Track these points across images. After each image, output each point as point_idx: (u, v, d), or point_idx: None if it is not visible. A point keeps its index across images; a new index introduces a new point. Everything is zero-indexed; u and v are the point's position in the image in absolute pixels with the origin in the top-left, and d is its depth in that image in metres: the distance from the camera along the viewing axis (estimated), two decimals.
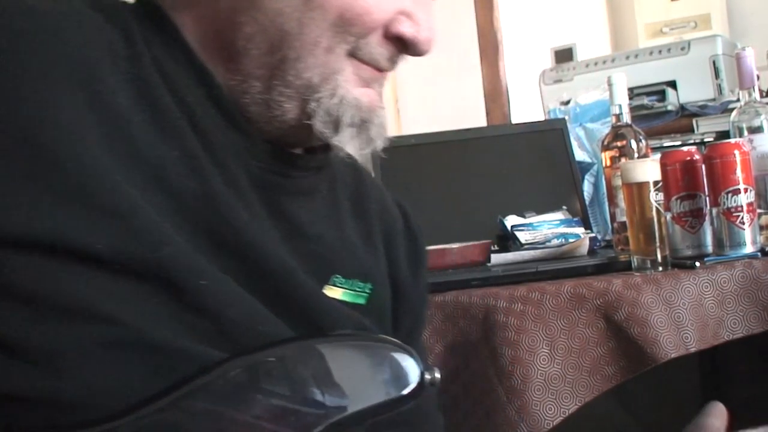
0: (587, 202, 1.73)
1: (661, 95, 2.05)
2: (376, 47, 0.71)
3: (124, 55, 0.65)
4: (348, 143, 0.71)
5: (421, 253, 0.89)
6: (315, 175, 0.77)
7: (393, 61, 0.73)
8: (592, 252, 1.50)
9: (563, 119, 1.83)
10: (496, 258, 1.49)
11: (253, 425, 0.59)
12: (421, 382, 0.64)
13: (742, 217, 1.27)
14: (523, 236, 1.57)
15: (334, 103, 0.69)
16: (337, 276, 0.76)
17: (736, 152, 1.27)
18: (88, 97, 0.61)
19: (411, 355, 0.65)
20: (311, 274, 0.72)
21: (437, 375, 0.65)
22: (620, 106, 1.51)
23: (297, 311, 0.69)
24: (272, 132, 0.71)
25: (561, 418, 1.16)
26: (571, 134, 1.79)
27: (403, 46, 0.72)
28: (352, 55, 0.70)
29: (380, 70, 0.73)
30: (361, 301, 0.77)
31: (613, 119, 1.52)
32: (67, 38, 0.63)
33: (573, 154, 1.76)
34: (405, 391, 0.63)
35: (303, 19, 0.67)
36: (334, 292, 0.75)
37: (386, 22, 0.70)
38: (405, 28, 0.71)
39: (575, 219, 1.64)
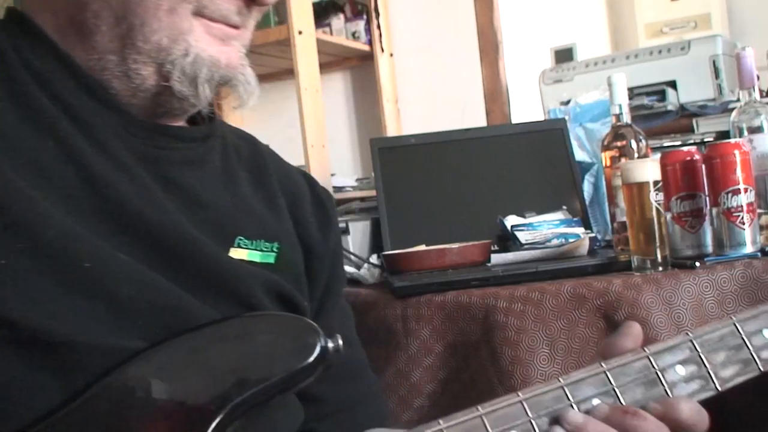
0: (587, 202, 1.73)
1: (661, 95, 2.05)
2: (221, 2, 0.73)
3: None
4: (207, 97, 0.73)
5: (329, 214, 0.92)
6: (202, 146, 0.79)
7: (243, 15, 0.75)
8: (592, 252, 1.50)
9: (563, 119, 1.83)
10: (496, 258, 1.49)
11: (154, 423, 0.60)
12: (323, 350, 0.66)
13: (742, 217, 1.27)
14: (523, 236, 1.57)
15: (189, 61, 0.71)
16: (241, 238, 0.78)
17: (736, 152, 1.27)
18: None
19: (311, 327, 0.67)
20: (212, 239, 0.74)
21: (340, 342, 0.68)
22: (620, 106, 1.51)
23: (199, 276, 0.71)
24: (143, 106, 0.74)
25: None
26: (571, 134, 1.79)
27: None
28: (199, 14, 0.72)
29: (233, 26, 0.74)
30: (270, 259, 0.80)
31: (613, 119, 1.52)
32: None
33: (573, 154, 1.76)
34: (306, 362, 0.65)
35: None
36: (239, 254, 0.77)
37: None
38: None
39: (575, 219, 1.64)
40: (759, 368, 0.74)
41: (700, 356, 0.72)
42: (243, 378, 0.63)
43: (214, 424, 0.61)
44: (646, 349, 0.71)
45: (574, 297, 1.22)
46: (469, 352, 1.27)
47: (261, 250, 0.79)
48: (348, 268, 1.68)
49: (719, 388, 0.72)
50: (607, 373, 0.68)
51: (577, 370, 0.68)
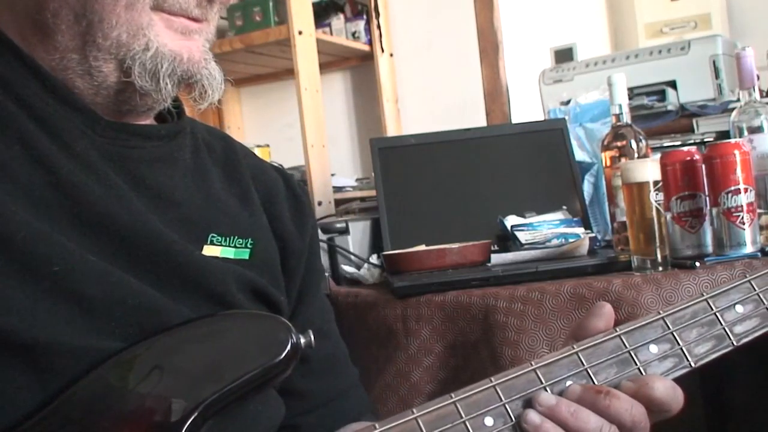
0: (587, 202, 1.73)
1: (661, 95, 2.05)
2: None
3: None
4: (170, 92, 0.72)
5: (304, 209, 0.91)
6: (171, 143, 0.79)
7: (203, 8, 0.74)
8: (592, 252, 1.50)
9: (563, 119, 1.83)
10: (496, 258, 1.49)
11: (128, 424, 0.60)
12: (295, 346, 0.66)
13: (742, 217, 1.27)
14: (523, 236, 1.57)
15: (149, 56, 0.71)
16: (214, 235, 0.77)
17: (736, 152, 1.27)
18: None
19: (281, 324, 0.68)
20: (184, 237, 0.74)
21: (312, 337, 0.68)
22: (620, 106, 1.51)
23: (171, 275, 0.71)
24: (107, 105, 0.73)
25: None
26: (571, 134, 1.79)
27: None
28: (159, 8, 0.71)
29: (195, 19, 0.74)
30: (245, 255, 0.79)
31: (613, 119, 1.52)
32: None
33: (573, 154, 1.76)
34: (278, 358, 0.65)
35: None
36: (213, 251, 0.77)
37: None
38: None
39: (575, 219, 1.64)
40: (732, 343, 0.74)
41: (672, 334, 0.72)
42: (214, 377, 0.63)
43: (187, 424, 0.61)
44: (617, 329, 0.71)
45: (574, 297, 1.22)
46: (469, 352, 1.27)
47: (235, 246, 0.79)
48: (348, 268, 1.68)
49: (693, 365, 0.72)
50: (579, 354, 0.69)
51: (550, 353, 0.69)
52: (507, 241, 1.62)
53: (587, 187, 1.75)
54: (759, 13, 3.52)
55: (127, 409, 0.61)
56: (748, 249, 1.27)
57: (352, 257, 1.70)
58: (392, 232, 1.67)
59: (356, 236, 1.77)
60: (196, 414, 0.62)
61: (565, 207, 1.69)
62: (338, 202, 2.52)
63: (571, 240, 1.52)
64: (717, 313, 0.74)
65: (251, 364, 0.65)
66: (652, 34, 3.66)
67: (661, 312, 0.73)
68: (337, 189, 2.68)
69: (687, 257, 1.30)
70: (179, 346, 0.65)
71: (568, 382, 0.67)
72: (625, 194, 1.31)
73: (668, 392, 0.68)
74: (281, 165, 1.50)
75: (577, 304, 1.21)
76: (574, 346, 0.69)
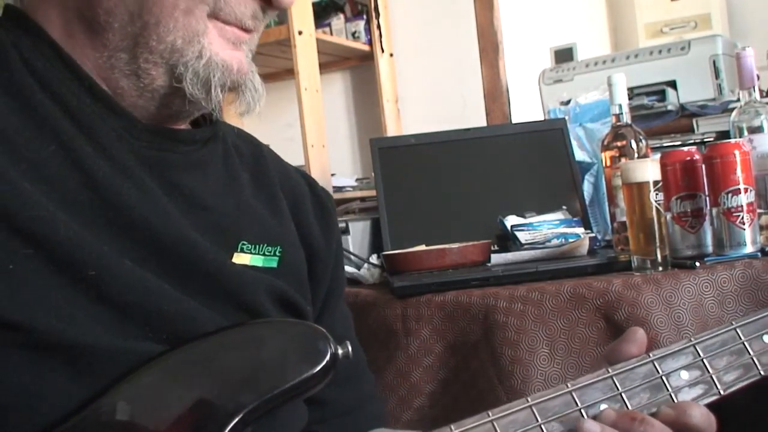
0: (587, 202, 1.73)
1: (661, 95, 2.05)
2: (238, 5, 0.72)
3: None
4: (219, 101, 0.72)
5: (330, 216, 0.91)
6: (203, 148, 0.78)
7: (257, 19, 0.74)
8: (592, 252, 1.50)
9: (563, 119, 1.83)
10: (496, 258, 1.49)
11: (168, 428, 0.60)
12: (334, 356, 0.66)
13: (742, 217, 1.27)
14: (523, 236, 1.57)
15: (202, 64, 0.70)
16: (244, 242, 0.77)
17: (736, 152, 1.27)
18: None
19: (321, 333, 0.68)
20: (216, 244, 0.74)
21: (349, 348, 0.68)
22: (620, 106, 1.51)
23: (203, 282, 0.71)
24: (148, 108, 0.73)
25: None
26: (571, 134, 1.78)
27: (264, 2, 0.73)
28: (214, 16, 0.71)
29: (245, 29, 0.74)
30: (273, 264, 0.79)
31: (613, 119, 1.52)
32: None
33: (573, 154, 1.76)
34: (317, 368, 0.65)
35: None
36: (242, 259, 0.77)
37: None
38: None
39: (575, 219, 1.64)
40: (760, 372, 0.75)
41: (702, 361, 0.73)
42: (256, 384, 0.63)
43: (227, 430, 0.61)
44: (650, 354, 0.72)
45: (574, 297, 1.22)
46: (469, 352, 1.27)
47: (264, 254, 0.79)
48: (348, 268, 1.68)
49: (722, 393, 0.73)
50: (614, 378, 0.70)
51: (584, 376, 0.69)
52: (507, 241, 1.61)
53: (587, 187, 1.75)
54: (759, 13, 3.52)
55: (167, 413, 0.61)
56: (748, 249, 1.26)
57: (352, 257, 1.70)
58: (392, 232, 1.67)
59: (356, 236, 1.77)
60: (236, 420, 0.61)
61: (565, 207, 1.69)
62: (338, 202, 2.51)
63: (571, 240, 1.52)
64: (745, 342, 0.75)
65: (292, 373, 0.65)
66: (652, 34, 3.65)
67: (692, 339, 0.74)
68: (337, 189, 2.68)
69: (687, 257, 1.30)
70: (220, 352, 0.65)
71: (603, 406, 0.68)
72: (625, 194, 1.31)
73: (704, 419, 0.69)
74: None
75: (577, 304, 1.21)
76: (609, 370, 0.70)
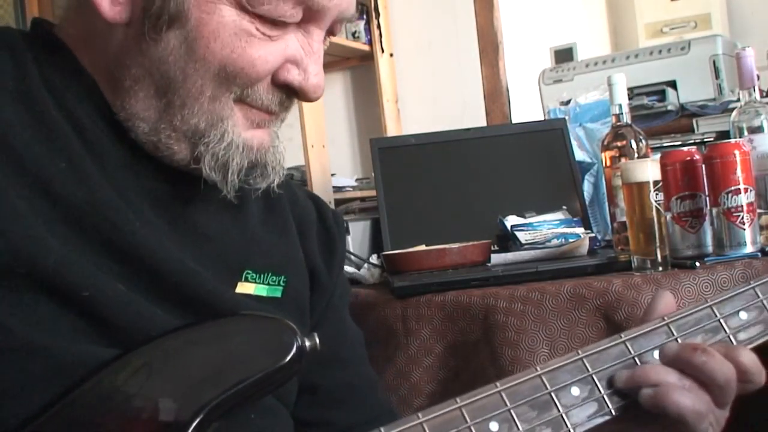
0: (587, 202, 1.73)
1: (661, 95, 2.05)
2: (265, 94, 0.71)
3: (11, 75, 0.67)
4: (235, 185, 0.72)
5: (334, 244, 0.90)
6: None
7: (284, 105, 0.74)
8: (592, 252, 1.50)
9: (563, 119, 1.83)
10: (496, 258, 1.49)
11: (132, 427, 0.60)
12: (300, 350, 0.65)
13: (742, 217, 1.27)
14: (523, 236, 1.57)
15: (223, 146, 0.70)
16: (249, 271, 0.77)
17: (736, 152, 1.27)
18: None
19: (286, 326, 0.67)
20: (218, 274, 0.73)
21: (317, 340, 0.67)
22: (620, 106, 1.51)
23: (200, 311, 0.71)
24: (165, 162, 0.72)
25: None
26: (571, 134, 1.78)
27: (291, 91, 0.73)
28: (241, 100, 0.71)
29: (272, 113, 0.73)
30: (277, 293, 0.79)
31: (613, 119, 1.52)
32: None
33: (573, 154, 1.76)
34: (283, 362, 0.65)
35: (186, 69, 0.68)
36: (246, 288, 0.76)
37: (272, 71, 0.71)
38: (292, 77, 0.72)
39: (575, 219, 1.64)
40: None
41: (677, 340, 0.72)
42: (219, 380, 0.63)
43: (192, 426, 0.61)
44: (622, 334, 0.71)
45: (574, 297, 1.22)
46: (469, 352, 1.27)
47: (268, 284, 0.78)
48: (348, 268, 1.68)
49: None
50: (584, 360, 0.69)
51: (555, 359, 0.69)
52: (507, 241, 1.61)
53: (587, 187, 1.75)
54: (759, 13, 3.52)
55: (131, 411, 0.61)
56: (748, 249, 1.26)
57: (352, 257, 1.70)
58: (392, 232, 1.67)
59: (356, 236, 1.77)
60: (201, 416, 0.61)
61: (565, 207, 1.69)
62: (338, 202, 2.52)
63: (571, 240, 1.52)
64: (721, 320, 0.74)
65: (256, 367, 0.65)
66: (652, 34, 3.65)
67: (665, 318, 0.73)
68: (337, 189, 2.68)
69: (687, 257, 1.30)
70: (184, 349, 0.65)
71: (573, 388, 0.67)
72: (625, 194, 1.31)
73: (754, 362, 0.69)
74: None
75: (577, 304, 1.21)
76: (579, 352, 0.69)
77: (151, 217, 0.71)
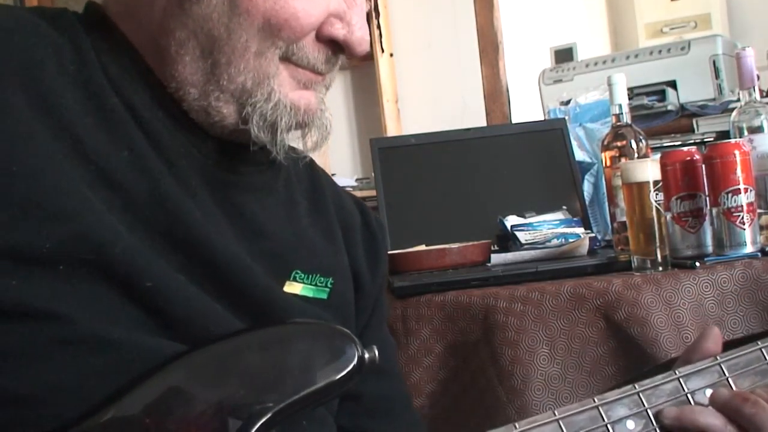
0: (587, 202, 1.73)
1: (661, 95, 2.05)
2: (311, 51, 0.71)
3: (71, 59, 0.67)
4: (285, 146, 0.71)
5: (379, 250, 0.90)
6: (268, 171, 0.78)
7: (330, 63, 0.73)
8: (592, 252, 1.50)
9: (563, 119, 1.83)
10: (496, 258, 1.49)
11: (194, 425, 0.60)
12: (360, 360, 0.65)
13: (742, 217, 1.27)
14: (523, 236, 1.57)
15: (270, 106, 0.70)
16: (297, 271, 0.77)
17: (736, 152, 1.27)
18: (34, 100, 0.62)
19: (348, 337, 0.67)
20: (270, 271, 0.73)
21: (376, 353, 0.67)
22: (620, 106, 1.51)
23: (253, 308, 0.70)
24: (217, 132, 0.72)
25: None
26: (571, 134, 1.78)
27: (337, 47, 0.72)
28: (287, 59, 0.70)
29: (318, 72, 0.73)
30: (323, 295, 0.78)
31: (613, 119, 1.52)
32: (12, 43, 0.64)
33: (573, 154, 1.76)
34: (344, 372, 0.65)
35: (230, 25, 0.68)
36: (294, 288, 0.76)
37: (316, 25, 0.70)
38: (337, 31, 0.71)
39: (575, 219, 1.64)
40: None
41: (728, 380, 0.74)
42: (282, 386, 0.63)
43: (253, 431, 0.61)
44: (677, 371, 0.73)
45: (574, 297, 1.22)
46: (469, 352, 1.27)
47: (315, 285, 0.78)
48: None
49: None
50: (640, 395, 0.71)
51: (611, 391, 0.70)
52: (507, 241, 1.61)
53: (587, 187, 1.75)
54: (759, 13, 3.52)
55: (191, 412, 0.60)
56: (748, 249, 1.26)
57: None
58: (392, 232, 1.67)
59: None
60: (262, 421, 0.61)
61: (565, 207, 1.69)
62: None
63: (571, 240, 1.52)
64: None
65: (318, 377, 0.64)
66: (652, 34, 3.65)
67: (718, 358, 0.75)
68: None
69: (687, 257, 1.30)
70: (245, 352, 0.65)
71: (629, 422, 0.69)
72: (625, 194, 1.31)
73: None
74: None
75: (577, 304, 1.21)
76: (636, 387, 0.71)
77: (211, 208, 0.71)
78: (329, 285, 0.79)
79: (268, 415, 0.61)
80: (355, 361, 0.65)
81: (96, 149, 0.65)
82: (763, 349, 0.77)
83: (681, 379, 0.72)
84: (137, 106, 0.69)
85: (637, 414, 0.69)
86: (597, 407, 0.68)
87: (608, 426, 0.67)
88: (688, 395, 0.72)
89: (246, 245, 0.72)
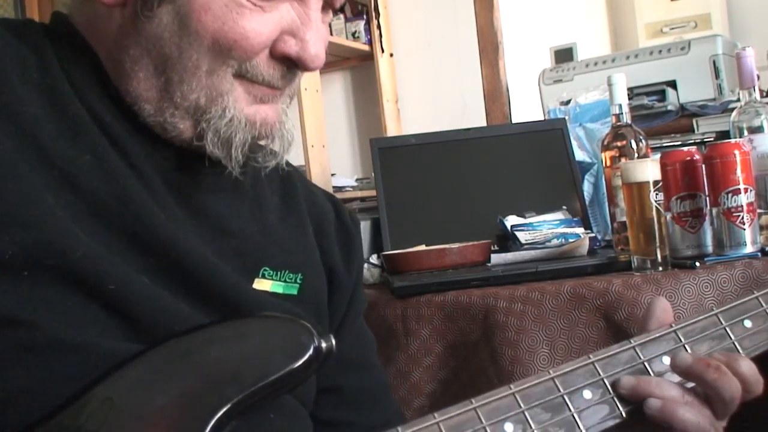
0: (587, 202, 1.73)
1: (661, 95, 2.05)
2: (265, 68, 0.71)
3: (35, 67, 0.68)
4: (239, 161, 0.71)
5: (353, 243, 0.90)
6: (231, 172, 0.77)
7: (287, 78, 0.73)
8: (592, 252, 1.50)
9: (563, 119, 1.83)
10: (496, 258, 1.49)
11: (150, 423, 0.60)
12: (317, 350, 0.66)
13: (742, 217, 1.27)
14: (523, 236, 1.57)
15: (225, 122, 0.70)
16: (266, 268, 0.77)
17: (736, 152, 1.27)
18: None
19: (303, 327, 0.67)
20: (238, 269, 0.74)
21: (333, 341, 0.67)
22: (620, 106, 1.51)
23: (223, 307, 0.71)
24: (177, 143, 0.73)
25: None
26: (571, 134, 1.79)
27: (292, 63, 0.72)
28: (241, 75, 0.70)
29: (275, 88, 0.73)
30: (293, 291, 0.79)
31: (613, 119, 1.52)
32: None
33: (573, 154, 1.76)
34: (300, 362, 0.65)
35: (181, 44, 0.68)
36: (263, 285, 0.77)
37: (268, 44, 0.70)
38: (290, 48, 0.71)
39: (575, 219, 1.64)
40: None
41: (684, 347, 0.74)
42: (239, 378, 0.64)
43: (210, 426, 0.61)
44: (632, 340, 0.73)
45: (574, 297, 1.22)
46: (469, 352, 1.27)
47: (285, 281, 0.78)
48: None
49: None
50: (595, 364, 0.70)
51: (567, 363, 0.70)
52: (507, 241, 1.62)
53: (587, 187, 1.75)
54: (759, 13, 3.52)
55: (150, 408, 0.61)
56: (748, 249, 1.26)
57: None
58: (392, 232, 1.67)
59: None
60: (218, 415, 0.61)
61: (565, 207, 1.69)
62: None
63: (571, 240, 1.52)
64: (726, 327, 0.76)
65: (273, 367, 0.65)
66: (652, 34, 3.66)
67: (673, 325, 0.75)
68: (337, 189, 2.68)
69: (687, 257, 1.30)
70: (202, 346, 0.66)
71: (585, 391, 0.68)
72: (625, 194, 1.31)
73: (753, 372, 0.70)
74: None
75: (577, 304, 1.21)
76: (591, 357, 0.70)
77: (174, 210, 0.71)
78: (299, 281, 0.79)
79: (227, 407, 0.62)
80: (311, 351, 0.66)
81: (59, 154, 0.65)
82: (718, 315, 0.77)
83: (636, 348, 0.72)
84: (100, 113, 0.70)
85: (593, 383, 0.69)
86: (552, 378, 0.67)
87: (564, 396, 0.67)
88: (645, 363, 0.71)
89: (212, 245, 0.73)
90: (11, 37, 0.69)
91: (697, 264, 1.23)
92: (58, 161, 0.65)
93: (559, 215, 1.65)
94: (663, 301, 0.77)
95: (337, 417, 0.86)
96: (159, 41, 0.69)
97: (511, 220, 1.63)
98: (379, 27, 2.95)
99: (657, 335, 0.73)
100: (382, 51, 2.96)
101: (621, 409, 0.69)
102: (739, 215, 1.27)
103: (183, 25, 0.68)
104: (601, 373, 0.70)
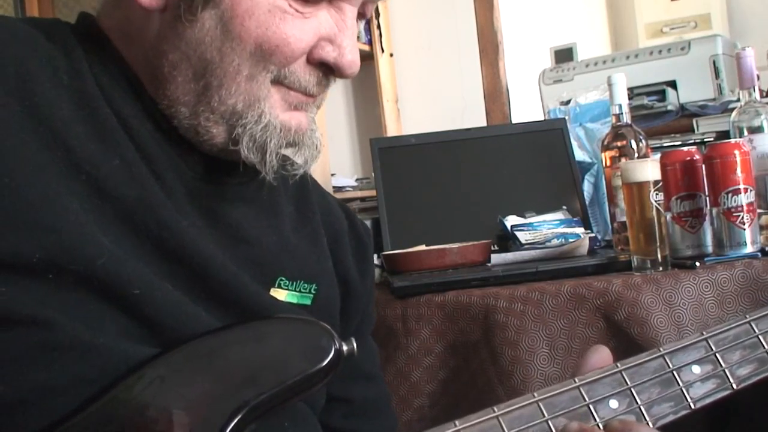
0: (587, 202, 1.73)
1: (661, 95, 2.05)
2: (302, 74, 0.72)
3: (64, 69, 0.68)
4: (274, 166, 0.72)
5: (367, 253, 0.91)
6: (252, 182, 0.78)
7: (322, 85, 0.74)
8: (592, 252, 1.50)
9: (563, 119, 1.83)
10: (496, 258, 1.49)
11: (170, 424, 0.61)
12: (338, 353, 0.66)
13: (742, 217, 1.27)
14: (523, 236, 1.57)
15: (260, 128, 0.70)
16: (282, 278, 0.78)
17: (736, 152, 1.27)
18: (28, 111, 0.63)
19: (325, 330, 0.67)
20: (255, 278, 0.74)
21: (354, 344, 0.67)
22: (620, 106, 1.51)
23: (241, 314, 0.71)
24: (205, 149, 0.73)
25: None
26: (571, 134, 1.78)
27: (328, 69, 0.73)
28: (278, 82, 0.71)
29: (310, 95, 0.73)
30: (307, 301, 0.79)
31: (613, 119, 1.52)
32: (8, 55, 0.65)
33: (573, 154, 1.76)
34: (321, 365, 0.65)
35: (223, 49, 0.69)
36: (279, 294, 0.77)
37: (307, 50, 0.71)
38: (327, 54, 0.72)
39: (575, 219, 1.64)
40: None
41: (715, 355, 0.72)
42: (259, 381, 0.64)
43: (230, 427, 0.61)
44: (661, 348, 0.71)
45: (574, 297, 1.22)
46: (469, 352, 1.27)
47: (300, 291, 0.79)
48: None
49: (735, 387, 0.72)
50: (623, 373, 0.69)
51: (593, 371, 0.68)
52: (507, 241, 1.61)
53: (587, 187, 1.75)
54: (759, 13, 3.52)
55: (171, 408, 0.61)
56: (748, 249, 1.26)
57: None
58: (392, 232, 1.67)
59: None
60: (239, 416, 0.62)
61: (565, 207, 1.69)
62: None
63: (571, 240, 1.52)
64: (759, 336, 0.74)
65: (294, 370, 0.65)
66: (652, 34, 3.66)
67: (704, 333, 0.73)
68: (337, 189, 2.68)
69: (687, 257, 1.30)
70: (223, 349, 0.66)
71: (612, 401, 0.67)
72: (625, 194, 1.31)
73: None
74: None
75: (577, 304, 1.21)
76: (618, 365, 0.69)
77: (195, 218, 0.72)
78: (313, 291, 0.80)
79: (244, 411, 0.62)
80: (332, 353, 0.66)
81: (87, 158, 0.66)
82: (751, 323, 0.75)
83: (666, 356, 0.70)
84: (127, 117, 0.70)
85: (620, 393, 0.67)
86: (578, 387, 0.66)
87: (590, 406, 0.66)
88: (674, 372, 0.70)
89: (231, 253, 0.73)
90: (42, 38, 0.69)
91: (697, 264, 1.23)
92: (85, 165, 0.65)
93: (559, 215, 1.65)
94: (603, 350, 0.74)
95: (347, 426, 0.87)
96: (200, 46, 0.69)
97: (511, 220, 1.63)
98: (379, 27, 2.95)
99: (687, 343, 0.72)
100: (382, 51, 2.96)
101: (647, 418, 0.68)
102: (739, 215, 1.27)
103: (226, 30, 0.68)
104: (629, 383, 0.68)
